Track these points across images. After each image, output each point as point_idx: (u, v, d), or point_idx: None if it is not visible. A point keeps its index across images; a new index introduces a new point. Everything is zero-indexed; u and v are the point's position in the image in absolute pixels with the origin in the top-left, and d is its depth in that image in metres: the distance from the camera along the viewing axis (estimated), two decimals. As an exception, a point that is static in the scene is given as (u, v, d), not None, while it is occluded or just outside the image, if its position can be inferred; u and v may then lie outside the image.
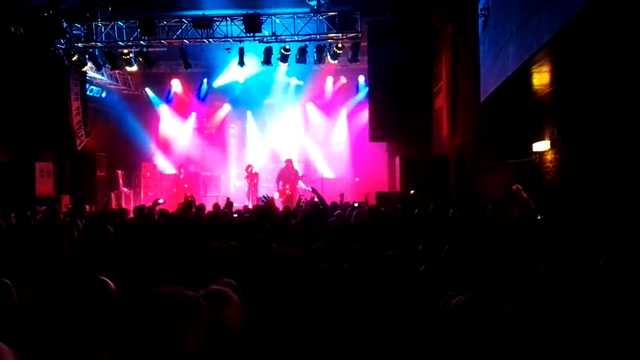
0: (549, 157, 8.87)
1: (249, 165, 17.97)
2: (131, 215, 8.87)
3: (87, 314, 2.03)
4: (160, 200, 10.46)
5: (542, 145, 8.94)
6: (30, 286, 2.89)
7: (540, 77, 8.04)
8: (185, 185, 17.75)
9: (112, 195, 16.63)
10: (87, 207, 12.29)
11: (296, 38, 14.82)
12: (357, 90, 19.52)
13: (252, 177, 17.75)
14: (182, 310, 1.70)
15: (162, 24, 14.85)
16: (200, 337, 1.73)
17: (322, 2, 14.23)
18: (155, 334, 1.64)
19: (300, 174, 17.66)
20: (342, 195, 11.34)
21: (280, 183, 17.38)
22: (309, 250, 4.69)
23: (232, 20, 14.61)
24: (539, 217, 7.73)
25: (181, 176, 18.41)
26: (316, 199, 9.90)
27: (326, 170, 18.62)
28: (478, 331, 2.05)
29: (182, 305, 1.71)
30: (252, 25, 13.95)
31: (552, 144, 8.66)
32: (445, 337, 2.14)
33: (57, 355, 1.50)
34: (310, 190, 11.32)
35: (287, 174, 17.46)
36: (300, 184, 17.24)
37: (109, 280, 2.19)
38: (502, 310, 2.08)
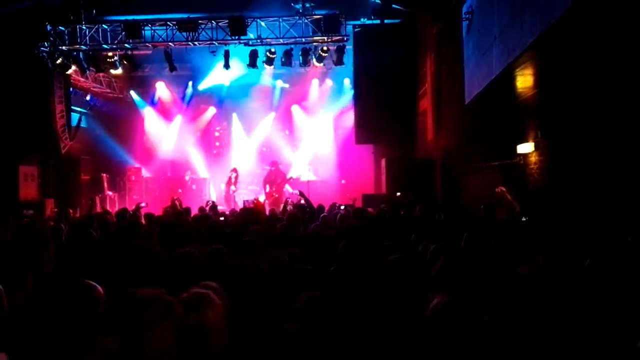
0: (533, 158, 8.96)
1: (234, 169, 17.93)
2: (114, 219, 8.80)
3: (77, 317, 2.07)
4: (143, 204, 10.43)
5: (526, 147, 9.04)
6: (22, 291, 2.88)
7: (524, 80, 8.13)
8: (194, 187, 18.17)
9: (97, 199, 16.54)
10: (71, 211, 12.19)
11: (281, 41, 14.82)
12: (342, 93, 19.57)
13: (231, 181, 17.79)
14: (152, 311, 1.77)
15: (147, 26, 14.77)
16: (169, 338, 1.79)
17: (308, 5, 14.26)
18: (126, 333, 1.72)
19: (287, 176, 17.66)
20: (333, 205, 10.90)
21: (267, 186, 17.36)
22: (291, 254, 4.70)
23: (217, 23, 14.58)
24: (523, 219, 7.81)
25: (187, 177, 18.61)
26: (303, 202, 9.92)
27: (312, 173, 18.62)
28: (452, 339, 2.06)
29: (153, 306, 1.79)
30: (238, 28, 13.95)
31: (536, 146, 8.75)
32: (423, 341, 2.16)
33: (48, 357, 1.53)
34: (297, 193, 11.32)
35: (273, 177, 17.45)
36: (287, 187, 17.24)
37: (97, 285, 2.21)
38: (478, 319, 2.09)
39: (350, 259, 4.12)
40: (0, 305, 2.50)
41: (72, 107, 17.41)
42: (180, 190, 17.52)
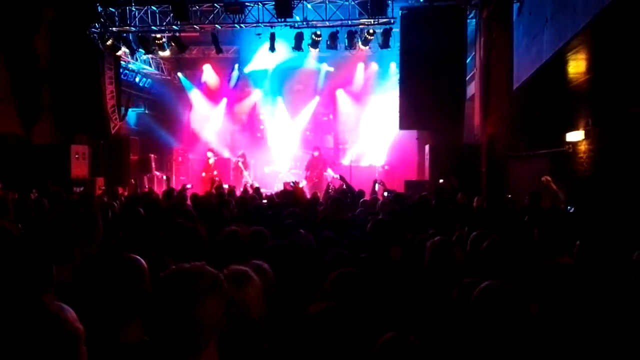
0: (583, 147, 8.71)
1: (242, 155, 17.78)
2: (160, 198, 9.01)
3: (120, 288, 2.16)
4: (188, 185, 10.61)
5: (575, 136, 8.79)
6: (70, 265, 3.00)
7: (576, 65, 7.87)
8: (215, 172, 17.74)
9: (145, 178, 16.96)
10: (120, 189, 12.53)
11: (327, 23, 14.73)
12: (387, 77, 19.38)
13: (241, 167, 17.56)
14: (201, 283, 1.84)
15: (195, 8, 14.94)
16: (219, 309, 1.86)
17: (355, -13, 14.12)
18: (176, 305, 1.80)
19: (329, 161, 17.68)
20: (375, 182, 10.74)
21: (308, 171, 17.39)
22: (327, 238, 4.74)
23: (263, 5, 14.61)
24: (569, 209, 7.62)
25: (210, 161, 17.98)
26: (344, 187, 9.92)
27: (355, 158, 18.58)
28: (499, 323, 2.04)
29: (201, 279, 1.85)
30: (284, 10, 13.92)
31: (586, 134, 8.50)
32: (462, 324, 2.14)
33: (92, 325, 1.61)
34: (339, 178, 11.31)
35: (315, 163, 17.49)
36: (329, 171, 17.25)
37: (140, 258, 2.30)
38: (526, 306, 2.07)
39: (379, 244, 4.11)
40: (50, 279, 2.61)
41: (122, 89, 17.83)
42: (215, 172, 17.42)
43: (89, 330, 1.62)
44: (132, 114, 19.70)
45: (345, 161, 18.38)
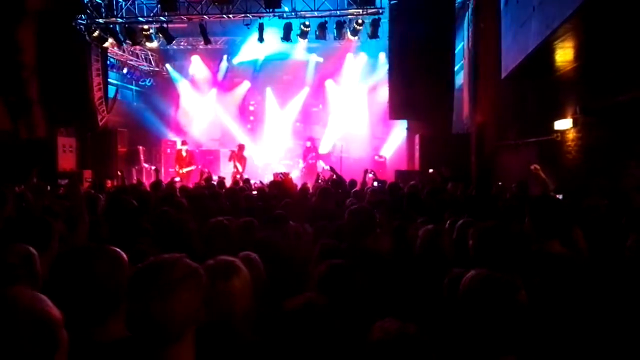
0: (571, 135, 8.75)
1: (241, 145, 16.55)
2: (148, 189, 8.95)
3: (93, 281, 2.11)
4: (177, 179, 10.56)
5: (564, 124, 8.83)
6: (47, 256, 2.96)
7: (564, 53, 7.89)
8: (200, 167, 17.16)
9: (133, 170, 16.84)
10: (109, 182, 12.45)
11: (316, 14, 14.68)
12: (377, 67, 19.36)
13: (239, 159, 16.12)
14: (176, 274, 1.83)
15: (182, -1, 14.83)
16: (194, 301, 1.84)
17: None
18: (147, 295, 1.79)
19: (320, 152, 17.67)
20: (366, 171, 10.12)
21: (300, 161, 17.39)
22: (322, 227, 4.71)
23: (252, -5, 14.54)
24: (558, 197, 7.65)
25: (183, 152, 16.48)
26: (335, 177, 9.90)
27: (345, 149, 18.58)
28: (487, 312, 2.03)
29: (176, 270, 1.84)
30: (272, 0, 13.83)
31: (574, 123, 8.54)
32: (452, 313, 2.14)
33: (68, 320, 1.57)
34: (329, 169, 11.30)
35: (307, 153, 17.49)
36: (320, 162, 17.24)
37: (119, 250, 2.26)
38: (515, 294, 2.06)
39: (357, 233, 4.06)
40: (34, 268, 2.58)
41: (109, 80, 17.67)
42: (201, 167, 16.76)
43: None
44: (119, 106, 19.46)
45: (336, 152, 18.38)
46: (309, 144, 17.69)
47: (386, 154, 18.83)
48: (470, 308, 2.08)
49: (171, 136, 20.10)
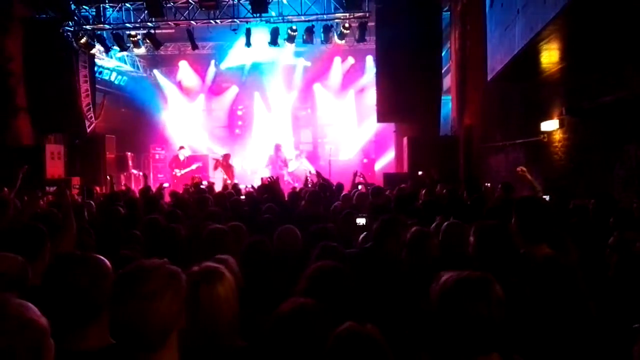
0: (558, 136, 8.82)
1: (227, 155, 16.52)
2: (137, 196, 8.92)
3: (75, 289, 2.13)
4: (165, 184, 10.53)
5: (550, 125, 8.89)
6: (39, 264, 2.95)
7: (549, 55, 7.95)
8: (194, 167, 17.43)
9: (122, 176, 16.77)
10: (98, 189, 12.38)
11: (303, 18, 14.71)
12: (364, 70, 19.42)
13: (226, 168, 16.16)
14: (155, 280, 1.84)
15: (169, 5, 14.80)
16: (174, 306, 1.85)
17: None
18: (127, 301, 1.81)
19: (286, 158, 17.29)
20: (355, 174, 10.26)
21: (269, 168, 16.91)
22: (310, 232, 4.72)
23: (238, 0, 14.53)
24: (545, 198, 7.70)
25: (181, 157, 17.02)
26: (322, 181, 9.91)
27: (334, 152, 18.58)
28: (464, 311, 2.04)
29: (154, 275, 1.86)
30: (259, 5, 13.85)
31: (560, 124, 8.61)
32: (435, 316, 2.15)
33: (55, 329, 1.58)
34: (315, 174, 11.24)
35: (275, 159, 17.09)
36: (306, 163, 17.09)
37: (102, 257, 2.27)
38: (490, 290, 2.07)
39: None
40: (24, 275, 2.58)
41: (97, 87, 17.59)
42: (194, 167, 17.19)
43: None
44: (107, 112, 19.35)
45: (324, 155, 18.33)
46: (272, 153, 17.27)
47: (374, 156, 18.88)
48: (446, 308, 2.09)
49: (159, 142, 20.03)
